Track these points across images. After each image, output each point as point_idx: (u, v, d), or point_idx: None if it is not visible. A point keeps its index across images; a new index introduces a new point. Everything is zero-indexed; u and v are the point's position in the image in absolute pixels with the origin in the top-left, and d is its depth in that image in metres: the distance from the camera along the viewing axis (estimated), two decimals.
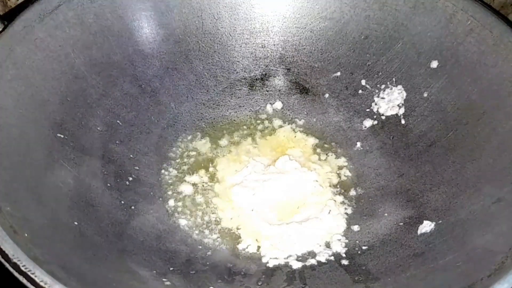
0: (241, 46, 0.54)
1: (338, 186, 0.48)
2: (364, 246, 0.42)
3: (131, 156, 0.47)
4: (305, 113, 0.53)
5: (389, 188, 0.46)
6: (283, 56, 0.55)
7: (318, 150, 0.51)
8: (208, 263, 0.41)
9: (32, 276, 0.29)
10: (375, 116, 0.51)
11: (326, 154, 0.50)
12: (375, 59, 0.51)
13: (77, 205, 0.39)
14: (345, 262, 0.41)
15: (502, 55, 0.43)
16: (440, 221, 0.40)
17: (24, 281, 0.29)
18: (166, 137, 0.50)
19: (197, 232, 0.44)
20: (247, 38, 0.54)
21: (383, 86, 0.51)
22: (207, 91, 0.54)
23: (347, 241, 0.43)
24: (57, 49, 0.44)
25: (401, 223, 0.43)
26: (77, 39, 0.45)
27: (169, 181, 0.47)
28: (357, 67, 0.52)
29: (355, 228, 0.44)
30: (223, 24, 0.53)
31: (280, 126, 0.52)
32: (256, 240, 0.43)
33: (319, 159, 0.50)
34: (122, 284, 0.35)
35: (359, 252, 0.42)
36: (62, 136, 0.42)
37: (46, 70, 0.42)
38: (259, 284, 0.39)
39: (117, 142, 0.47)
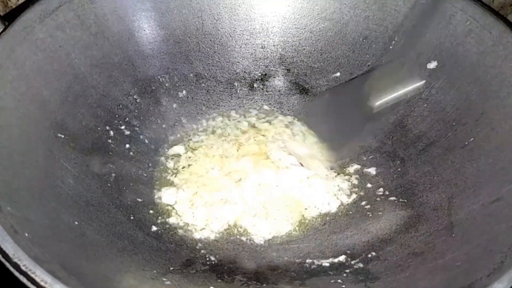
0: (241, 47, 0.55)
1: (338, 186, 0.48)
2: (364, 245, 0.42)
3: (131, 155, 0.47)
4: (305, 113, 0.54)
5: (389, 188, 0.46)
6: (283, 57, 0.55)
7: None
8: (208, 263, 0.41)
9: (33, 275, 0.29)
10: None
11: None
12: (375, 59, 0.52)
13: (77, 205, 0.39)
14: (344, 261, 0.41)
15: (501, 55, 0.43)
16: (439, 220, 0.41)
17: (25, 280, 0.29)
18: (166, 137, 0.50)
19: (197, 231, 0.44)
20: (247, 39, 0.54)
21: None
22: (207, 91, 0.54)
23: (346, 240, 0.43)
24: (57, 50, 0.44)
25: (401, 223, 0.43)
26: (78, 40, 0.46)
27: (170, 181, 0.47)
28: (357, 67, 0.53)
29: (355, 227, 0.44)
30: (223, 25, 0.53)
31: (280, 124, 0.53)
32: (256, 240, 0.43)
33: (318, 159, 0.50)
34: (122, 284, 0.35)
35: (358, 252, 0.42)
36: (62, 136, 0.42)
37: (46, 71, 0.43)
38: (259, 283, 0.40)
39: (117, 142, 0.47)
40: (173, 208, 0.45)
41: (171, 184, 0.47)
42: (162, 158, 0.49)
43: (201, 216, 0.44)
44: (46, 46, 0.43)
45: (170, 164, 0.49)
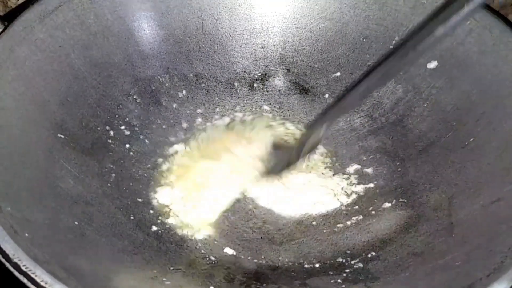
0: (241, 47, 0.55)
1: (338, 186, 0.48)
2: (364, 245, 0.42)
3: (131, 155, 0.47)
4: (305, 113, 0.54)
5: (389, 188, 0.46)
6: (283, 57, 0.55)
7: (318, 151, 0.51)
8: (208, 263, 0.41)
9: (33, 275, 0.29)
10: (374, 116, 0.51)
11: (326, 155, 0.50)
12: (375, 59, 0.52)
13: (77, 205, 0.39)
14: (344, 261, 0.41)
15: (502, 55, 0.43)
16: (439, 220, 0.41)
17: (25, 280, 0.29)
18: (166, 137, 0.50)
19: (197, 231, 0.44)
20: (247, 39, 0.54)
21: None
22: (207, 91, 0.54)
23: (346, 240, 0.43)
24: (57, 50, 0.44)
25: (401, 223, 0.43)
26: (77, 40, 0.46)
27: (170, 181, 0.47)
28: (357, 67, 0.53)
29: (355, 227, 0.44)
30: (223, 24, 0.53)
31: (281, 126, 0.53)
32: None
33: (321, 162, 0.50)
34: (122, 284, 0.35)
35: (358, 252, 0.42)
36: (62, 136, 0.42)
37: (46, 71, 0.43)
38: (259, 283, 0.40)
39: (117, 142, 0.47)
40: (170, 209, 0.45)
41: (168, 184, 0.47)
42: (161, 159, 0.49)
43: (197, 216, 0.44)
44: (45, 46, 0.43)
45: (169, 163, 0.48)
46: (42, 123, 0.41)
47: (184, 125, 0.52)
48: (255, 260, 0.42)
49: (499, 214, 0.37)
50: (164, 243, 0.42)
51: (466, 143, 0.43)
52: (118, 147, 0.47)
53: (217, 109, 0.53)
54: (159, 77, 0.52)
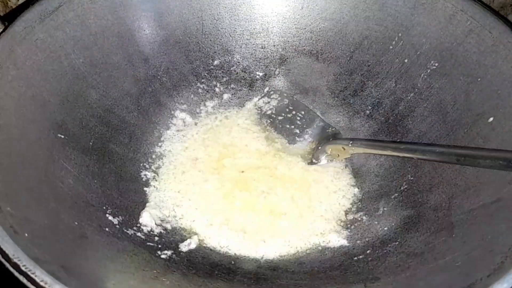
0: (241, 47, 0.55)
1: (338, 186, 0.48)
2: (364, 245, 0.42)
3: (131, 156, 0.47)
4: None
5: (389, 188, 0.46)
6: (283, 57, 0.55)
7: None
8: (208, 263, 0.41)
9: (33, 276, 0.29)
10: (374, 116, 0.51)
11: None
12: (375, 59, 0.52)
13: (77, 205, 0.39)
14: (344, 261, 0.41)
15: (502, 55, 0.43)
16: (439, 220, 0.41)
17: (25, 281, 0.29)
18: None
19: (197, 232, 0.44)
20: (247, 39, 0.54)
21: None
22: (207, 91, 0.54)
23: (346, 240, 0.43)
24: (57, 50, 0.44)
25: (401, 223, 0.43)
26: (78, 40, 0.46)
27: (169, 181, 0.47)
28: (357, 67, 0.53)
29: (355, 227, 0.44)
30: (223, 25, 0.53)
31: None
32: (257, 239, 0.43)
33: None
34: (122, 284, 0.35)
35: (358, 251, 0.42)
36: (62, 136, 0.42)
37: (46, 71, 0.43)
38: (259, 283, 0.40)
39: (117, 142, 0.47)
40: (171, 209, 0.45)
41: (170, 184, 0.47)
42: (159, 159, 0.49)
43: (190, 216, 0.45)
44: (46, 46, 0.43)
45: (170, 165, 0.49)
46: (42, 123, 0.41)
47: (184, 125, 0.52)
48: (255, 260, 0.42)
49: (499, 214, 0.37)
50: (164, 243, 0.42)
51: (466, 143, 0.43)
52: (118, 147, 0.47)
53: (217, 109, 0.53)
54: (159, 77, 0.52)
